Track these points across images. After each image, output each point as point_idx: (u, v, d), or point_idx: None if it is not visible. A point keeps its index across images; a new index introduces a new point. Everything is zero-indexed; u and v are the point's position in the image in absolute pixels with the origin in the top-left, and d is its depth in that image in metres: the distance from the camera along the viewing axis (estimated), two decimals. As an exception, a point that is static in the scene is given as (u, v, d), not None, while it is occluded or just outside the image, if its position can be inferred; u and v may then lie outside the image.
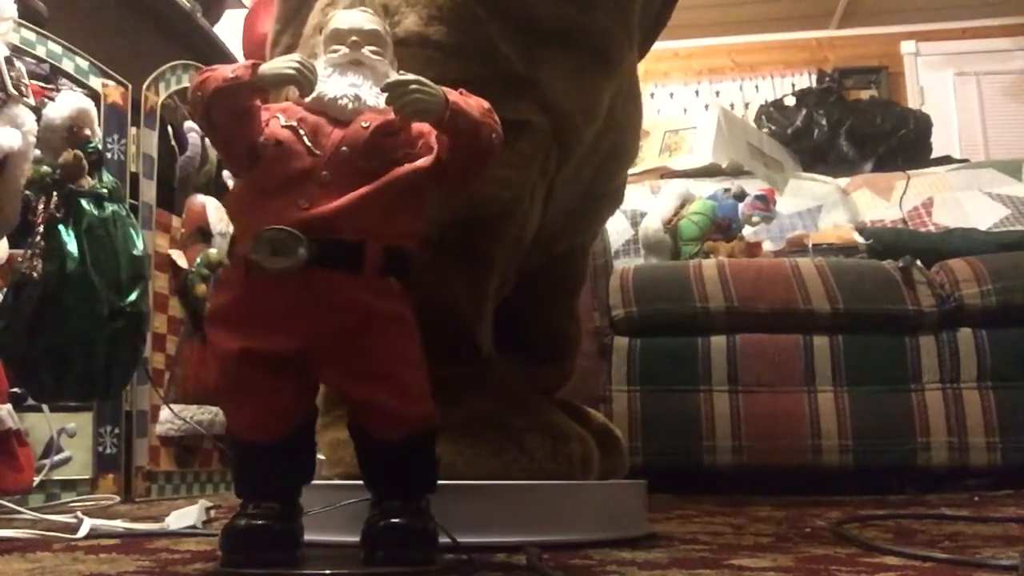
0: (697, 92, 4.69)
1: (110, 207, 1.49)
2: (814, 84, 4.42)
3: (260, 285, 0.77)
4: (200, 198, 1.94)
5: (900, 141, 3.70)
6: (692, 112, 4.46)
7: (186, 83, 1.89)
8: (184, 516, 1.13)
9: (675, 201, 2.53)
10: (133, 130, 1.75)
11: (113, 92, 1.74)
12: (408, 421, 0.79)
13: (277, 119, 0.83)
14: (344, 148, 0.80)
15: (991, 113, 4.51)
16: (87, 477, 1.60)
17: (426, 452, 0.82)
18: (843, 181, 3.13)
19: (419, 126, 0.84)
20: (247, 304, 0.78)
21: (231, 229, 1.96)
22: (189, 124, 1.94)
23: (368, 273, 0.78)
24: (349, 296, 0.78)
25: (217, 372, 0.80)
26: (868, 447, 1.84)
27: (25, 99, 1.38)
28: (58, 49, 1.67)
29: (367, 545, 0.78)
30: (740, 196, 2.51)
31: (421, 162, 0.82)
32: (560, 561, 0.83)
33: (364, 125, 0.82)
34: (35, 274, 1.40)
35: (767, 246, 2.51)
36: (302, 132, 0.81)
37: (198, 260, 1.87)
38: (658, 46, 1.58)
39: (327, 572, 0.75)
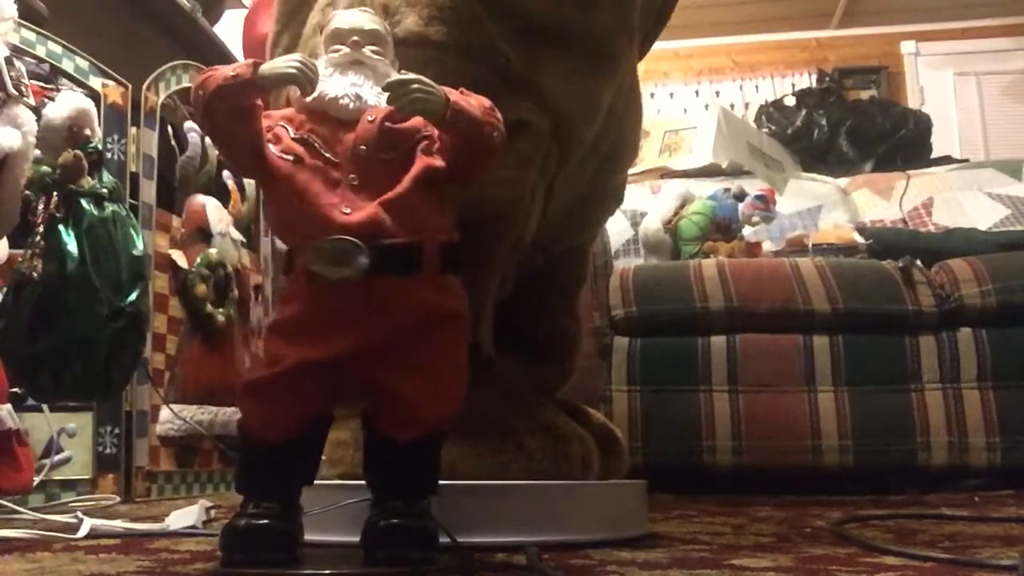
0: (697, 92, 4.69)
1: (110, 207, 1.49)
2: (814, 84, 4.42)
3: (323, 295, 0.78)
4: (200, 198, 1.94)
5: (900, 141, 3.70)
6: (692, 112, 4.46)
7: (186, 83, 1.89)
8: (184, 516, 1.13)
9: (675, 201, 2.53)
10: (133, 130, 1.75)
11: (113, 92, 1.74)
12: (428, 422, 0.80)
13: (285, 130, 0.83)
14: (362, 147, 0.81)
15: (991, 113, 4.51)
16: (87, 477, 1.60)
17: (434, 454, 0.82)
18: (843, 181, 3.13)
19: None
20: (311, 315, 0.79)
21: (231, 229, 1.98)
22: (189, 124, 1.94)
23: (427, 272, 0.79)
24: (411, 297, 0.79)
25: (257, 371, 0.80)
26: (868, 447, 1.84)
27: (25, 99, 1.37)
28: (58, 49, 1.66)
29: (367, 545, 0.78)
30: (740, 196, 2.51)
31: (438, 160, 0.83)
32: (560, 561, 0.83)
33: (370, 120, 0.82)
34: (35, 274, 1.40)
35: (767, 246, 2.51)
36: (316, 144, 0.81)
37: (198, 260, 1.87)
38: (658, 46, 1.58)
39: (327, 572, 0.75)
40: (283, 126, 0.83)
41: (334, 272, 0.77)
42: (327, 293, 0.78)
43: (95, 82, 1.72)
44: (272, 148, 0.82)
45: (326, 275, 0.77)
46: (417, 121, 0.84)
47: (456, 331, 0.82)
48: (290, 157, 0.81)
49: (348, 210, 0.78)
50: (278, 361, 0.79)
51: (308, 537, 0.82)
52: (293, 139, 0.82)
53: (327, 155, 0.81)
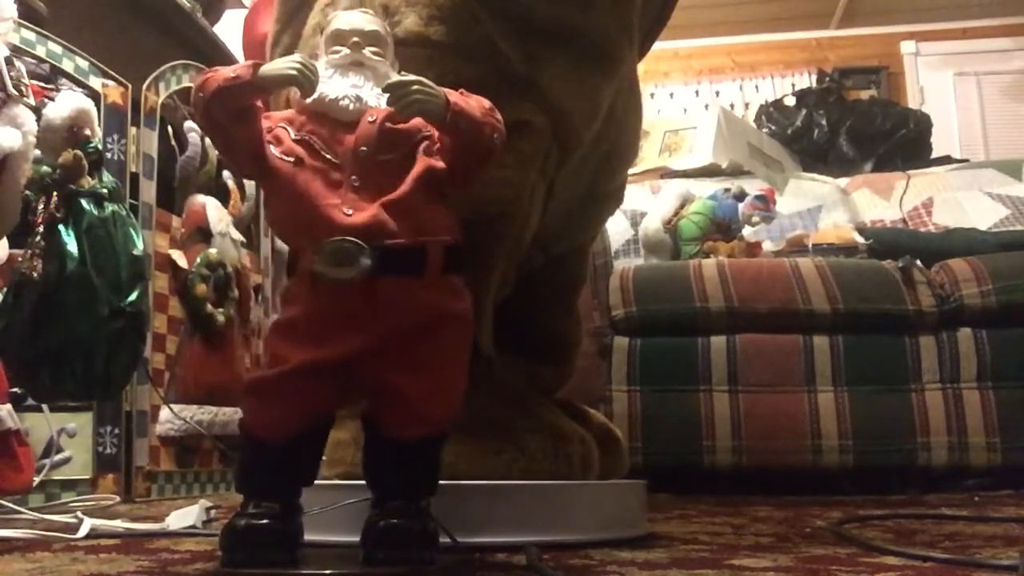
0: (697, 92, 4.69)
1: (110, 207, 1.49)
2: (814, 84, 4.42)
3: (326, 296, 0.78)
4: (200, 198, 1.94)
5: (900, 141, 3.70)
6: (692, 112, 4.46)
7: (186, 83, 1.89)
8: (184, 516, 1.13)
9: (675, 201, 2.53)
10: (133, 130, 1.75)
11: (113, 92, 1.74)
12: (429, 422, 0.80)
13: (286, 131, 0.83)
14: (362, 148, 0.81)
15: (991, 113, 4.51)
16: (87, 477, 1.60)
17: (435, 455, 0.82)
18: (843, 181, 3.13)
19: None
20: (314, 316, 0.79)
21: (231, 229, 1.98)
22: (189, 124, 1.94)
23: (430, 274, 0.79)
24: (415, 299, 0.79)
25: (262, 372, 0.80)
26: (868, 447, 1.84)
27: (25, 99, 1.37)
28: (58, 49, 1.66)
29: (367, 545, 0.78)
30: (740, 196, 2.51)
31: (439, 160, 0.83)
32: (560, 561, 0.83)
33: (371, 120, 0.82)
34: (35, 274, 1.40)
35: (767, 246, 2.52)
36: (317, 145, 0.81)
37: (198, 260, 1.87)
38: (658, 46, 1.58)
39: (327, 572, 0.75)
40: (283, 127, 0.83)
41: (337, 273, 0.77)
42: (331, 294, 0.78)
43: (95, 82, 1.72)
44: (273, 150, 0.82)
45: (329, 276, 0.77)
46: (418, 121, 0.84)
47: (460, 332, 0.82)
48: (291, 159, 0.81)
49: (350, 211, 0.78)
50: (283, 362, 0.79)
51: (308, 537, 0.82)
52: (294, 140, 0.82)
53: (327, 156, 0.81)
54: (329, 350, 0.78)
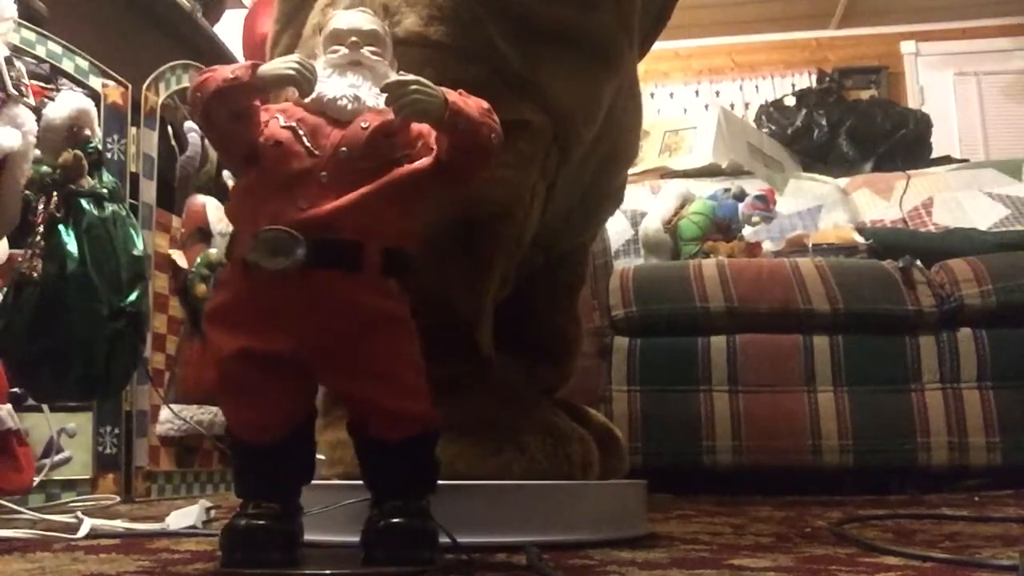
0: (697, 92, 4.69)
1: (110, 207, 1.49)
2: (814, 84, 4.43)
3: (259, 285, 0.77)
4: (200, 198, 1.94)
5: (900, 141, 3.70)
6: (692, 112, 4.46)
7: (186, 83, 1.89)
8: (184, 516, 1.13)
9: (675, 201, 2.53)
10: (133, 130, 1.75)
11: (113, 92, 1.74)
12: (405, 421, 0.79)
13: (276, 119, 0.83)
14: (343, 149, 0.80)
15: (991, 113, 4.51)
16: (87, 477, 1.60)
17: (425, 452, 0.81)
18: (843, 181, 3.13)
19: (418, 127, 0.84)
20: (246, 304, 0.78)
21: (231, 229, 1.98)
22: (189, 124, 1.94)
23: (367, 273, 0.78)
24: (348, 296, 0.78)
25: (216, 371, 0.80)
26: (868, 447, 1.84)
27: (25, 99, 1.37)
28: (58, 49, 1.67)
29: (367, 545, 0.78)
30: (740, 196, 2.51)
31: (420, 163, 0.82)
32: (560, 561, 0.83)
33: (363, 126, 0.82)
34: (35, 274, 1.40)
35: (767, 246, 2.52)
36: (301, 133, 0.81)
37: (198, 260, 1.87)
38: (658, 46, 1.58)
39: (327, 572, 0.75)
40: (277, 117, 0.83)
41: (270, 263, 0.76)
42: (265, 284, 0.77)
43: (95, 82, 1.72)
44: (261, 139, 0.82)
45: (263, 265, 0.76)
46: (406, 138, 0.83)
47: (398, 331, 0.80)
48: (271, 143, 0.81)
49: (305, 205, 0.77)
50: (220, 352, 0.78)
51: (308, 537, 0.82)
52: (281, 127, 0.82)
53: (308, 145, 0.80)
54: (266, 341, 0.77)
